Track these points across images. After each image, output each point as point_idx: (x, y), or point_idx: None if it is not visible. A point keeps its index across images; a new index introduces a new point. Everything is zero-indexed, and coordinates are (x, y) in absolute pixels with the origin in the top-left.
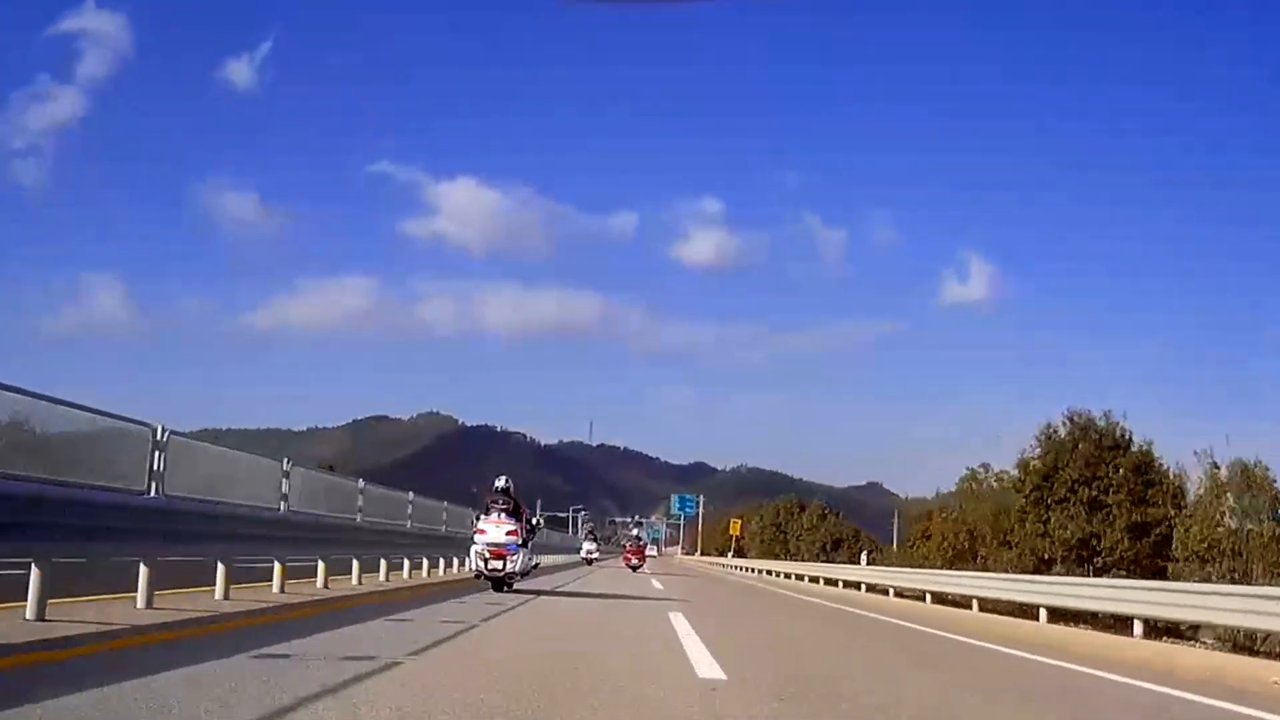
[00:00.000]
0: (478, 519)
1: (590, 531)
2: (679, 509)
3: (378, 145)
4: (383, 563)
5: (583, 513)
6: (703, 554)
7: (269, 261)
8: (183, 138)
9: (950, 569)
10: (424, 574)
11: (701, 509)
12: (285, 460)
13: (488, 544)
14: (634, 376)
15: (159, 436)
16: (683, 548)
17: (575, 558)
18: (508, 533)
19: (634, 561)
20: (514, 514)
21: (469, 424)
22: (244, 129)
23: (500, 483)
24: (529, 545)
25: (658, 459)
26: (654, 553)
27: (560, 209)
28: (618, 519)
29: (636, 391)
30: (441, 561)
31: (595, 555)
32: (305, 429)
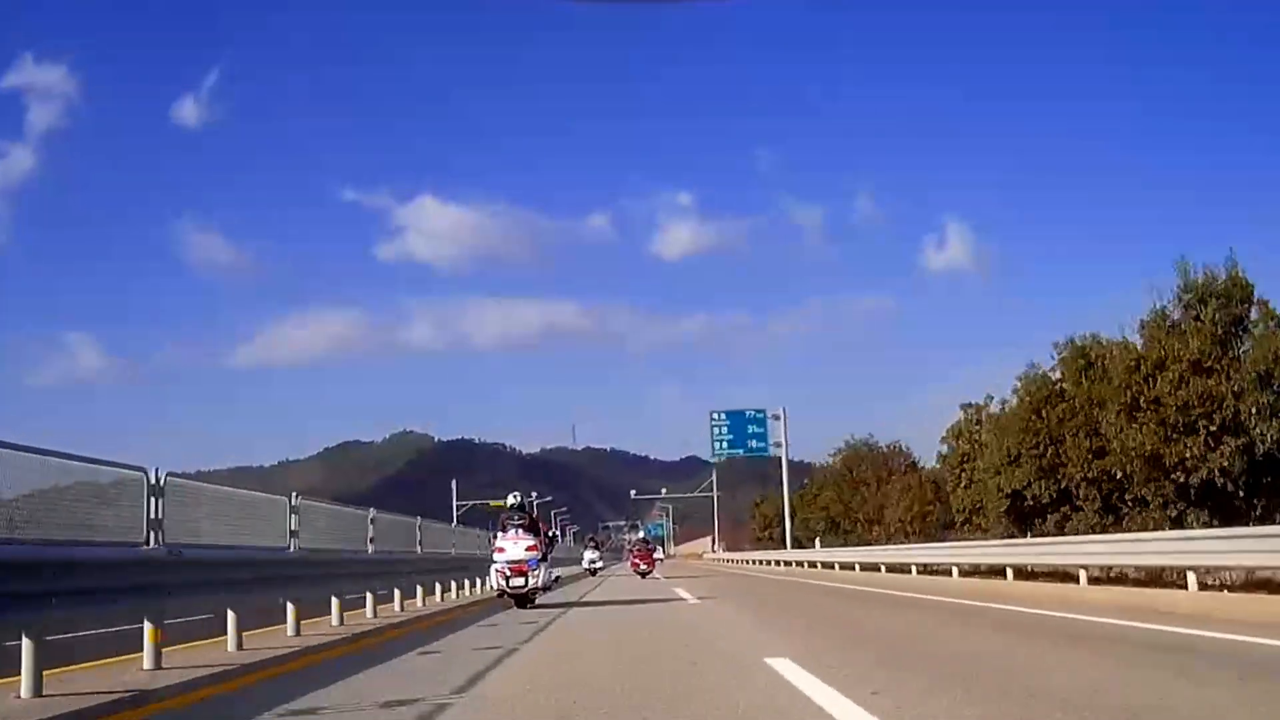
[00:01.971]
0: (495, 537)
1: (591, 539)
2: (730, 444)
3: (341, 172)
4: (396, 592)
5: (564, 516)
6: (795, 546)
7: (237, 302)
8: (138, 182)
9: None
10: (438, 599)
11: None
12: (294, 495)
13: (508, 561)
14: (616, 377)
15: (154, 480)
16: (719, 540)
17: (575, 569)
18: (527, 548)
19: (642, 567)
20: (532, 529)
21: (445, 439)
22: (199, 167)
23: (514, 500)
24: (548, 559)
25: (647, 457)
26: (659, 555)
27: (530, 216)
28: (610, 523)
29: (620, 392)
30: (453, 584)
31: (599, 564)
32: (275, 463)
